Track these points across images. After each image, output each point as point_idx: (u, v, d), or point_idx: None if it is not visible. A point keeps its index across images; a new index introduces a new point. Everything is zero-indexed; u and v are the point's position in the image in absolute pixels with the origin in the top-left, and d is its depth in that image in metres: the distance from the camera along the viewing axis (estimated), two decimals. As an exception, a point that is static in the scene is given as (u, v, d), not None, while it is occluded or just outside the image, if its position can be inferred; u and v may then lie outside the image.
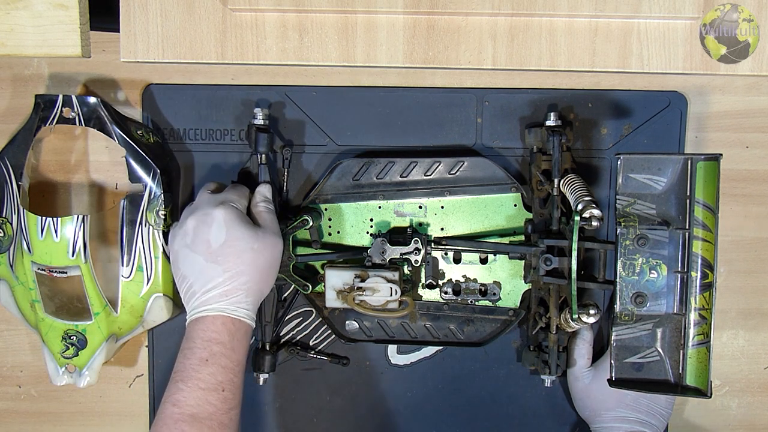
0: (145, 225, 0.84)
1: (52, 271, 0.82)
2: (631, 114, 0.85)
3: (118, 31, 0.81)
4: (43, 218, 0.80)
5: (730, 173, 0.86)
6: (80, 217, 0.81)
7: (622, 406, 0.82)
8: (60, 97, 0.82)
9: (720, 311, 0.89)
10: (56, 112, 0.82)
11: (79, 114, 0.82)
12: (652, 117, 0.85)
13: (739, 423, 0.91)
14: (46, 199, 0.89)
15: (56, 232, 0.81)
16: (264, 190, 0.82)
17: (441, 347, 0.90)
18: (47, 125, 0.82)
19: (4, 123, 0.88)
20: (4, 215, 0.84)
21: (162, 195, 0.84)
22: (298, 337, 0.91)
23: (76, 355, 0.86)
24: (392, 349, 0.91)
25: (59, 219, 0.80)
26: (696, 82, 0.86)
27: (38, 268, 0.82)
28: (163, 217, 0.84)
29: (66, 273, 0.82)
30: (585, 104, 0.86)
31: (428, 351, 0.90)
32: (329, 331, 0.89)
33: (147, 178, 0.83)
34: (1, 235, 0.85)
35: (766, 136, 0.87)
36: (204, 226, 0.76)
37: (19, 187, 0.83)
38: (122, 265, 0.85)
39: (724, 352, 0.90)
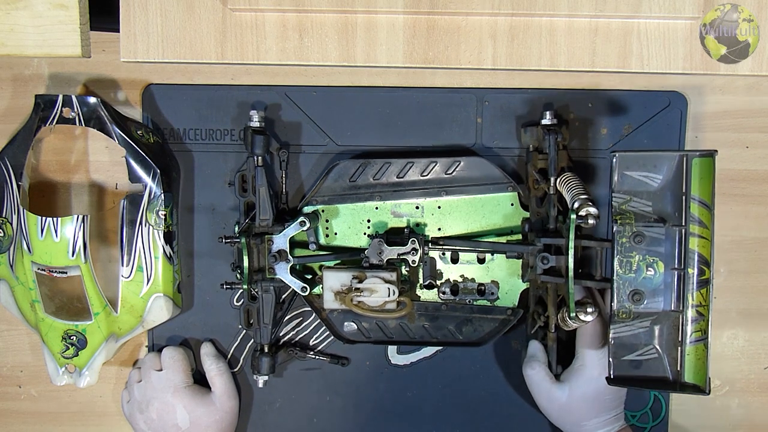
0: (145, 225, 0.84)
1: (52, 271, 0.82)
2: (631, 114, 0.85)
3: (118, 31, 0.81)
4: (43, 218, 0.81)
5: (730, 173, 0.86)
6: (80, 217, 0.81)
7: (604, 410, 0.80)
8: (60, 97, 0.82)
9: (720, 311, 0.88)
10: (56, 112, 0.82)
11: (79, 114, 0.82)
12: (652, 117, 0.85)
13: (739, 423, 0.91)
14: (46, 199, 0.90)
15: (56, 232, 0.81)
16: (208, 351, 0.90)
17: (441, 347, 0.90)
18: (47, 125, 0.82)
19: (4, 123, 0.89)
20: (4, 215, 0.84)
21: (162, 195, 0.84)
22: (297, 338, 0.91)
23: (76, 355, 0.86)
24: (392, 349, 0.90)
25: (59, 219, 0.81)
26: (696, 82, 0.86)
27: (38, 268, 0.82)
28: (163, 217, 0.84)
29: (66, 273, 0.82)
30: (585, 104, 0.86)
31: (428, 351, 0.90)
32: (328, 332, 0.89)
33: (147, 178, 0.84)
34: (1, 235, 0.85)
35: (766, 136, 0.86)
36: (168, 415, 0.85)
37: (19, 187, 0.84)
38: (122, 265, 0.85)
39: (724, 352, 0.90)
